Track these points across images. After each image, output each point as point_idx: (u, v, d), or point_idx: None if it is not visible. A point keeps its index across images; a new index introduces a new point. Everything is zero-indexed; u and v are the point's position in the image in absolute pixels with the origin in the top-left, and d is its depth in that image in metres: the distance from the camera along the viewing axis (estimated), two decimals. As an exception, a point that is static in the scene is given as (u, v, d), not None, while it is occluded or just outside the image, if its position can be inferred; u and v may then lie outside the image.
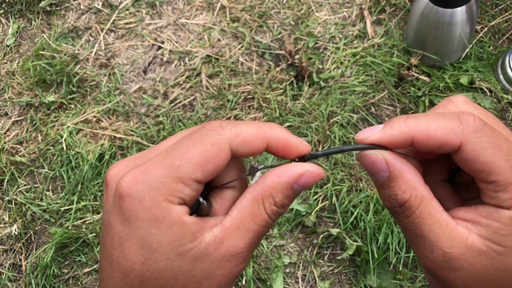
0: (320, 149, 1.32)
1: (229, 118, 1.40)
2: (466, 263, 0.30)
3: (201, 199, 0.33)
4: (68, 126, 1.42)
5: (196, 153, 0.31)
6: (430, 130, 0.31)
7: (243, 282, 1.20)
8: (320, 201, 1.26)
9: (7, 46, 1.61)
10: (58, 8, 1.65)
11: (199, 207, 0.34)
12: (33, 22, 1.64)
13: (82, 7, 1.64)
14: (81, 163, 1.36)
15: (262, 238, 0.34)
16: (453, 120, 0.31)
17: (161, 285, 0.31)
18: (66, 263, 1.30)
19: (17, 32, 1.63)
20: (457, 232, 0.31)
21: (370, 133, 0.33)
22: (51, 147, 1.41)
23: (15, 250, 1.33)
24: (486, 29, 1.44)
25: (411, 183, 0.32)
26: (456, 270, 0.31)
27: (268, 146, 0.33)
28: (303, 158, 0.35)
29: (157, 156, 0.32)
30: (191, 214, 0.33)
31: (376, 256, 1.17)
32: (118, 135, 1.40)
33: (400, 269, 1.19)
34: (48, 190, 1.38)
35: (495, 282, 0.31)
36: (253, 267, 1.21)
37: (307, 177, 0.33)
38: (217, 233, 0.32)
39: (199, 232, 0.31)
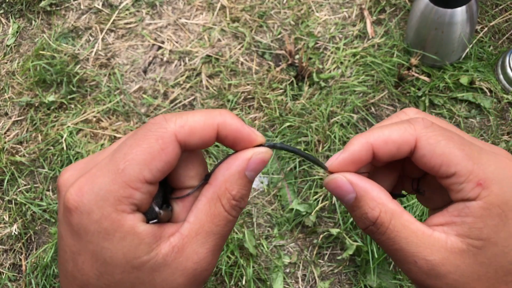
0: (320, 149, 1.32)
1: (229, 118, 1.40)
2: (451, 267, 0.30)
3: (156, 209, 0.31)
4: (68, 126, 1.42)
5: (140, 152, 0.29)
6: (385, 135, 0.32)
7: (243, 282, 1.20)
8: (320, 201, 1.26)
9: (7, 46, 1.61)
10: (58, 8, 1.65)
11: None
12: (33, 22, 1.64)
13: (82, 7, 1.64)
14: (81, 163, 1.36)
15: (226, 239, 0.33)
16: (404, 123, 0.32)
17: None
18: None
19: (17, 32, 1.63)
20: (434, 239, 0.31)
21: (335, 157, 0.33)
22: (51, 147, 1.41)
23: (15, 250, 1.33)
24: (486, 29, 1.44)
25: (378, 199, 0.32)
26: (443, 276, 0.30)
27: (219, 134, 0.31)
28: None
29: (103, 161, 0.30)
30: (150, 220, 0.31)
31: (376, 256, 1.17)
32: (118, 135, 1.40)
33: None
34: (48, 190, 1.38)
35: (484, 276, 0.30)
36: (253, 267, 1.21)
37: (255, 160, 0.32)
38: (176, 242, 0.30)
39: (155, 243, 0.30)
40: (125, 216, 0.29)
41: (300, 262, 1.25)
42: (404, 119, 0.33)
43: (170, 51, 1.53)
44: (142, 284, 0.30)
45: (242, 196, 0.32)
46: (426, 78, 1.37)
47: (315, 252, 1.25)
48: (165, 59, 1.52)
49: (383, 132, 0.32)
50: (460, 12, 1.24)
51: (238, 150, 0.33)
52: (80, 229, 0.29)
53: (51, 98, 1.46)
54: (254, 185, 1.33)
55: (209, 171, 0.34)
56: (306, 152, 0.36)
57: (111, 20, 1.59)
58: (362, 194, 0.32)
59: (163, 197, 0.33)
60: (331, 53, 1.47)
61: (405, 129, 0.32)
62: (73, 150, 1.39)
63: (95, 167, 0.30)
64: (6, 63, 1.58)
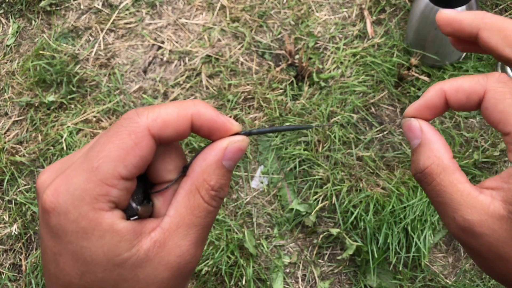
0: (320, 149, 1.32)
1: (229, 118, 1.40)
2: (487, 230, 0.31)
3: (134, 205, 0.31)
4: (68, 126, 1.42)
5: (113, 148, 0.29)
6: (458, 83, 0.33)
7: (243, 282, 1.20)
8: (320, 201, 1.26)
9: (7, 46, 1.61)
10: (58, 8, 1.65)
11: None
12: (33, 22, 1.64)
13: (82, 7, 1.64)
14: (81, 163, 1.36)
15: (209, 230, 0.33)
16: (480, 76, 0.33)
17: None
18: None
19: (17, 32, 1.63)
20: (478, 201, 0.31)
21: (412, 105, 0.35)
22: (51, 147, 1.41)
23: (15, 250, 1.33)
24: (486, 29, 1.44)
25: (436, 151, 0.33)
26: (478, 236, 0.31)
27: (193, 125, 0.31)
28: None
29: (77, 160, 0.30)
30: (130, 216, 0.31)
31: (376, 256, 1.17)
32: (118, 135, 1.40)
33: (400, 269, 1.19)
34: (48, 190, 1.38)
35: None
36: (253, 267, 1.21)
37: (232, 149, 0.32)
38: (157, 237, 0.30)
39: (135, 239, 0.29)
40: (102, 214, 0.29)
41: (300, 262, 1.25)
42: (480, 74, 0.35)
43: (170, 51, 1.53)
44: (125, 281, 0.30)
45: (221, 186, 0.32)
46: (426, 78, 1.37)
47: (315, 252, 1.25)
48: (165, 59, 1.52)
49: (456, 81, 0.33)
50: (460, 12, 1.24)
51: (214, 140, 0.33)
52: (58, 230, 0.29)
53: (51, 98, 1.46)
54: (254, 185, 1.33)
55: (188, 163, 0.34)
56: (284, 125, 0.36)
57: (111, 20, 1.59)
58: (425, 142, 0.34)
59: (144, 193, 0.33)
60: (331, 53, 1.47)
61: (477, 80, 0.33)
62: (73, 150, 1.39)
63: (70, 167, 0.30)
64: (6, 63, 1.58)
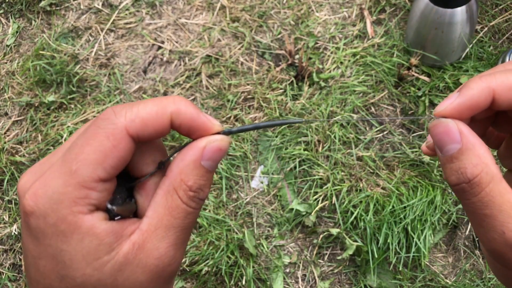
0: (320, 149, 1.32)
1: (229, 118, 1.40)
2: None
3: (109, 206, 0.30)
4: (68, 126, 1.42)
5: (92, 151, 0.28)
6: (510, 80, 0.29)
7: (243, 282, 1.20)
8: (320, 201, 1.26)
9: (7, 46, 1.61)
10: (58, 8, 1.65)
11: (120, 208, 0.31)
12: (33, 22, 1.64)
13: (82, 7, 1.64)
14: (81, 163, 1.36)
15: (190, 232, 0.32)
16: None
17: None
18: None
19: (17, 32, 1.63)
20: None
21: (449, 102, 0.31)
22: (51, 147, 1.41)
23: (15, 250, 1.33)
24: (486, 29, 1.44)
25: (483, 158, 0.29)
26: None
27: (173, 123, 0.30)
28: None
29: (56, 162, 0.29)
30: (114, 216, 0.30)
31: (376, 256, 1.17)
32: (118, 135, 1.40)
33: (400, 269, 1.19)
34: (48, 190, 1.38)
35: None
36: (253, 267, 1.21)
37: (211, 148, 0.31)
38: (135, 239, 0.30)
39: (116, 242, 0.29)
40: (81, 217, 0.28)
41: (300, 262, 1.25)
42: None
43: (170, 51, 1.53)
44: (104, 286, 0.29)
45: (199, 187, 0.31)
46: (426, 78, 1.37)
47: (315, 252, 1.25)
48: (165, 59, 1.52)
49: (508, 77, 0.29)
50: (460, 12, 1.24)
51: (194, 138, 0.32)
52: (38, 233, 0.29)
53: (51, 98, 1.46)
54: (254, 185, 1.33)
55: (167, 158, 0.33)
56: (267, 121, 0.35)
57: (111, 20, 1.59)
58: (468, 148, 0.30)
59: (127, 190, 0.32)
60: (331, 53, 1.47)
61: None
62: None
63: (48, 170, 0.29)
64: (6, 63, 1.58)
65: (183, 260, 1.22)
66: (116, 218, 0.31)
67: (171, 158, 0.33)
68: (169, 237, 0.30)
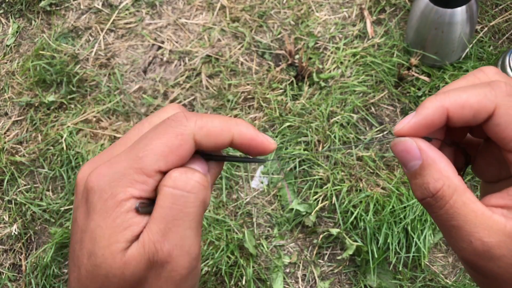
0: (320, 149, 1.32)
1: (229, 118, 1.40)
2: (506, 251, 0.29)
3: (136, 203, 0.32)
4: (68, 126, 1.42)
5: (160, 144, 0.31)
6: (463, 98, 0.30)
7: (243, 282, 1.20)
8: (320, 201, 1.26)
9: (7, 46, 1.61)
10: (58, 8, 1.65)
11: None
12: (33, 22, 1.64)
13: (82, 7, 1.64)
14: (81, 163, 1.36)
15: (195, 230, 0.32)
16: (484, 87, 0.30)
17: (98, 285, 0.30)
18: (66, 263, 1.30)
19: (17, 32, 1.63)
20: (494, 221, 0.30)
21: (407, 121, 0.32)
22: (51, 147, 1.41)
23: (15, 250, 1.33)
24: (486, 29, 1.44)
25: (444, 172, 0.31)
26: (497, 259, 0.30)
27: (233, 141, 0.33)
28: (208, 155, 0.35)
29: (124, 151, 0.32)
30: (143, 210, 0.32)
31: (376, 256, 1.17)
32: (118, 135, 1.40)
33: (400, 269, 1.19)
34: (48, 190, 1.38)
35: None
36: (253, 267, 1.21)
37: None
38: (142, 237, 0.31)
39: (131, 236, 0.30)
40: (129, 199, 0.30)
41: (300, 262, 1.25)
42: (483, 81, 0.32)
43: (170, 51, 1.53)
44: (114, 276, 0.30)
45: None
46: (426, 78, 1.37)
47: (315, 252, 1.25)
48: (165, 59, 1.52)
49: (460, 95, 0.30)
50: (460, 12, 1.24)
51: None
52: (90, 207, 0.31)
53: (51, 98, 1.46)
54: (254, 185, 1.33)
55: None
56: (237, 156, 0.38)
57: (111, 20, 1.59)
58: (429, 163, 0.31)
59: None
60: (331, 53, 1.47)
61: (485, 94, 0.30)
62: (73, 150, 1.39)
63: (117, 155, 0.32)
64: (6, 63, 1.58)
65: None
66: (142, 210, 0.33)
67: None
68: (172, 234, 0.32)
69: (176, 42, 1.54)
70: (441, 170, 0.31)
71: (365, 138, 1.34)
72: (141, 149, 0.31)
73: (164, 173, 0.31)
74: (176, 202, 0.31)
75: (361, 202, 1.23)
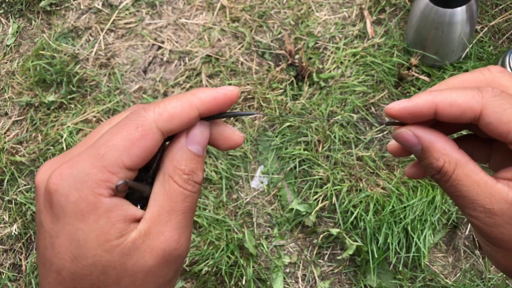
0: (320, 149, 1.32)
1: (229, 118, 1.40)
2: (509, 218, 0.31)
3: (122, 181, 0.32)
4: (68, 126, 1.42)
5: (120, 138, 0.30)
6: (452, 97, 0.33)
7: (243, 282, 1.20)
8: (320, 201, 1.26)
9: (7, 46, 1.61)
10: (58, 8, 1.65)
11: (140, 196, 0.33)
12: (33, 22, 1.64)
13: (82, 7, 1.64)
14: (81, 163, 1.36)
15: (191, 216, 0.34)
16: (473, 90, 0.33)
17: (92, 281, 0.31)
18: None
19: (17, 32, 1.63)
20: (496, 189, 0.32)
21: (398, 103, 0.35)
22: (51, 147, 1.41)
23: (15, 250, 1.33)
24: (486, 29, 1.44)
25: (442, 150, 0.34)
26: (500, 226, 0.31)
27: (200, 112, 0.33)
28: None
29: (85, 149, 0.31)
30: (136, 204, 0.33)
31: (376, 256, 1.17)
32: (118, 135, 1.40)
33: (400, 269, 1.19)
34: (48, 190, 1.38)
35: None
36: (253, 267, 1.21)
37: (193, 133, 0.34)
38: (142, 227, 0.32)
39: (125, 229, 0.31)
40: (101, 199, 0.30)
41: (300, 262, 1.25)
42: (474, 86, 0.34)
43: (170, 51, 1.53)
44: (114, 269, 0.31)
45: (192, 170, 0.33)
46: (426, 78, 1.37)
47: (315, 252, 1.25)
48: (165, 59, 1.52)
49: (450, 94, 0.33)
50: (460, 12, 1.24)
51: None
52: (59, 211, 0.30)
53: (51, 98, 1.46)
54: (254, 185, 1.33)
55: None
56: (238, 111, 0.38)
57: (111, 20, 1.59)
58: (427, 146, 0.34)
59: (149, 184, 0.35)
60: (331, 53, 1.47)
61: (472, 96, 0.33)
62: (73, 150, 1.39)
63: (77, 155, 0.31)
64: (6, 63, 1.58)
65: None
66: (138, 206, 0.33)
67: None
68: (171, 221, 0.32)
69: (176, 42, 1.54)
70: (439, 150, 0.34)
71: (365, 138, 1.34)
72: (102, 145, 0.30)
73: (128, 168, 0.31)
74: (185, 199, 0.33)
75: (361, 202, 1.23)
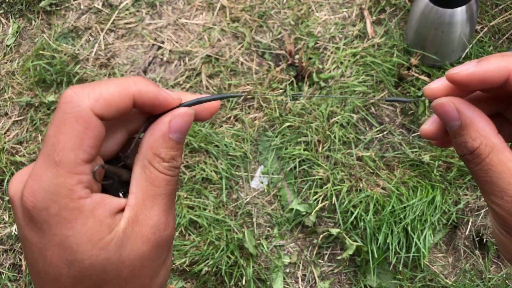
0: (320, 149, 1.32)
1: (229, 118, 1.40)
2: None
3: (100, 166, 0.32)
4: (68, 126, 1.42)
5: (67, 139, 0.29)
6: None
7: (243, 282, 1.20)
8: (320, 201, 1.26)
9: (7, 46, 1.61)
10: (58, 8, 1.65)
11: (116, 180, 0.33)
12: (33, 22, 1.64)
13: (82, 7, 1.64)
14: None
15: (174, 197, 0.34)
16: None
17: (93, 281, 0.31)
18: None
19: (17, 32, 1.63)
20: None
21: (465, 68, 0.32)
22: (51, 147, 1.41)
23: (15, 250, 1.33)
24: (486, 29, 1.44)
25: (481, 131, 0.32)
26: None
27: (135, 103, 0.32)
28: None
29: (39, 158, 0.31)
30: (117, 194, 0.32)
31: (376, 256, 1.17)
32: (118, 135, 1.40)
33: (400, 269, 1.19)
34: (48, 190, 1.38)
35: None
36: (253, 267, 1.21)
37: (176, 122, 0.33)
38: (128, 215, 0.31)
39: (113, 222, 0.31)
40: (82, 202, 0.30)
41: (300, 262, 1.25)
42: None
43: (170, 51, 1.53)
44: (112, 264, 0.31)
45: (172, 157, 0.33)
46: (426, 78, 1.37)
47: (315, 252, 1.25)
48: (165, 59, 1.52)
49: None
50: (460, 12, 1.24)
51: (157, 113, 0.34)
52: (43, 225, 0.30)
53: (51, 98, 1.46)
54: (254, 185, 1.33)
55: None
56: (221, 93, 0.37)
57: (111, 20, 1.59)
58: (467, 123, 0.32)
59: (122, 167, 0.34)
60: (331, 53, 1.47)
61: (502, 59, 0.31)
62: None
63: (35, 166, 0.30)
64: (6, 63, 1.58)
65: (183, 260, 1.22)
66: (121, 196, 0.33)
67: (141, 136, 0.34)
68: (157, 204, 0.32)
69: (176, 42, 1.54)
70: (479, 130, 0.32)
71: (365, 138, 1.34)
72: (53, 152, 0.29)
73: (89, 161, 0.30)
74: (167, 183, 0.33)
75: (361, 202, 1.23)
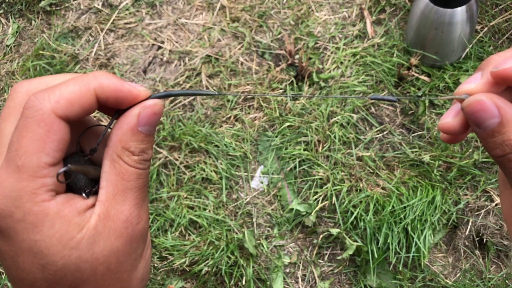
0: (320, 149, 1.32)
1: (229, 118, 1.40)
2: None
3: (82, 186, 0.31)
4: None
5: (29, 142, 0.29)
6: None
7: (243, 282, 1.20)
8: (320, 201, 1.26)
9: (7, 46, 1.61)
10: (58, 8, 1.65)
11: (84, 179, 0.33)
12: (33, 22, 1.64)
13: (82, 7, 1.64)
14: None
15: (146, 190, 0.34)
16: None
17: (69, 282, 0.30)
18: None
19: (17, 32, 1.63)
20: None
21: (505, 63, 0.30)
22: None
23: (15, 250, 1.33)
24: (486, 29, 1.44)
25: None
26: None
27: (99, 98, 0.31)
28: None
29: (3, 164, 0.30)
30: (87, 192, 0.32)
31: (376, 256, 1.17)
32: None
33: (400, 269, 1.19)
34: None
35: None
36: (253, 267, 1.21)
37: (145, 114, 0.32)
38: (99, 211, 0.31)
39: (83, 220, 0.30)
40: (46, 205, 0.29)
41: (300, 262, 1.25)
42: None
43: (170, 51, 1.53)
44: (85, 262, 0.30)
45: (142, 150, 0.32)
46: (426, 78, 1.37)
47: (315, 252, 1.25)
48: (165, 59, 1.52)
49: None
50: (460, 12, 1.24)
51: (125, 108, 0.33)
52: (9, 233, 0.29)
53: (51, 98, 1.46)
54: (254, 185, 1.33)
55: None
56: (194, 89, 0.36)
57: (111, 20, 1.59)
58: (508, 120, 0.30)
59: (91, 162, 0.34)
60: (331, 53, 1.47)
61: None
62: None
63: None
64: (6, 63, 1.58)
65: (183, 260, 1.22)
66: (89, 194, 0.32)
67: (110, 129, 0.34)
68: (128, 199, 0.32)
69: (176, 42, 1.54)
70: None
71: (365, 138, 1.34)
72: (15, 156, 0.29)
73: (53, 164, 0.30)
74: (138, 177, 0.32)
75: (361, 202, 1.23)
